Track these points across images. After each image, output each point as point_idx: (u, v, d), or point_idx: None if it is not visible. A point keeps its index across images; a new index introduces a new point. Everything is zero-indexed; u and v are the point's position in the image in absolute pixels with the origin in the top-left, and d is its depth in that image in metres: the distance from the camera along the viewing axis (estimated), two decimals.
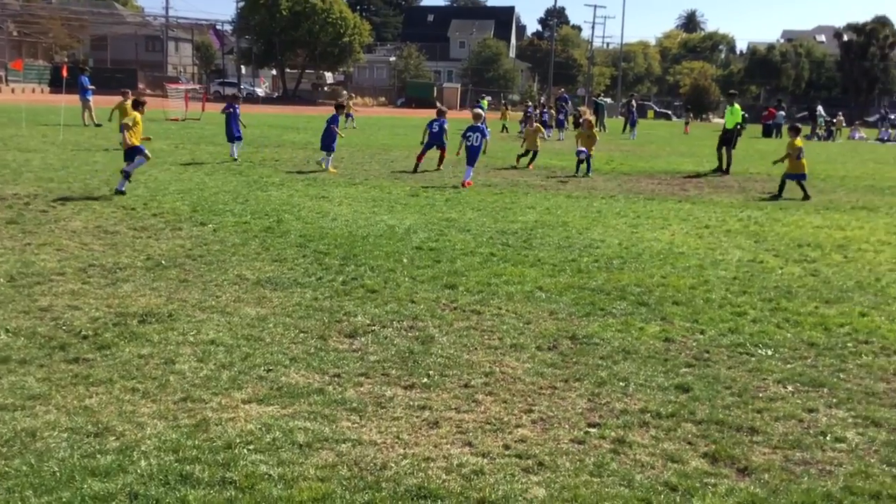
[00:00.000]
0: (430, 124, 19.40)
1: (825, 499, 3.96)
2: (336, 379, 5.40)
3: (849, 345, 6.57)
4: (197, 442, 4.31)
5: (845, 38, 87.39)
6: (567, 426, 4.79)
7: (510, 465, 4.22)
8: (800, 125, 22.66)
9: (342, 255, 9.17)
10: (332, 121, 18.41)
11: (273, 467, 4.06)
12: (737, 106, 22.40)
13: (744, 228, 12.35)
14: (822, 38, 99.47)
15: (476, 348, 6.19)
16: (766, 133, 47.69)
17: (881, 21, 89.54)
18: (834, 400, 5.36)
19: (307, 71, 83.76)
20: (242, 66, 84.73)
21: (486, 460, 4.28)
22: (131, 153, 12.79)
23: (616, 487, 4.02)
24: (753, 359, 6.16)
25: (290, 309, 6.95)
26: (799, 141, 17.09)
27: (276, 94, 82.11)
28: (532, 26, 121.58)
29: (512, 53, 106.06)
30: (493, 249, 9.94)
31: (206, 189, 13.81)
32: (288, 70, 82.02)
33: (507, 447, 4.45)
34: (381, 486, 3.94)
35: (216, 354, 5.72)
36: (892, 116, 64.97)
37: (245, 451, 4.23)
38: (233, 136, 18.93)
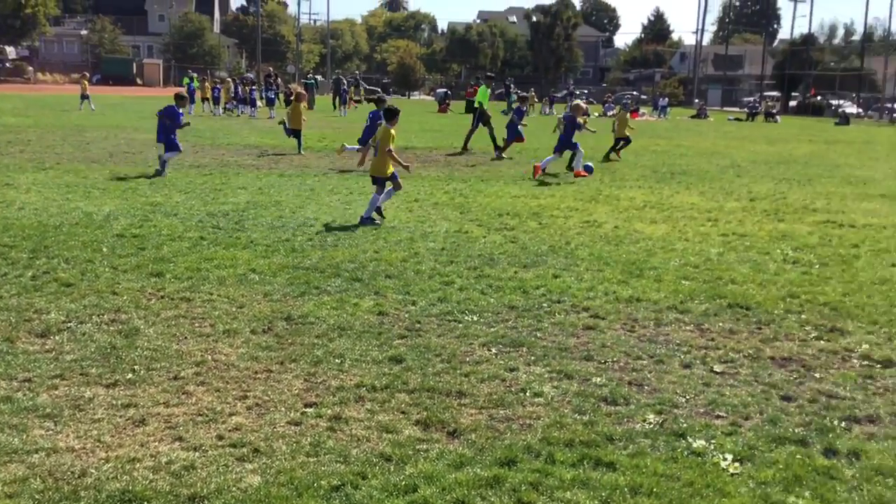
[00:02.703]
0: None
1: (526, 451, 4.26)
2: (26, 384, 4.92)
3: (544, 305, 7.10)
4: None
5: (534, 18, 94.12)
6: (283, 409, 4.73)
7: (224, 456, 4.09)
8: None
9: (31, 248, 8.37)
10: (168, 114, 15.27)
11: None
12: (484, 86, 23.79)
13: (450, 200, 12.92)
14: (514, 18, 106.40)
15: (186, 337, 5.93)
16: (469, 109, 50.16)
17: (565, 3, 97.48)
18: (532, 358, 5.77)
19: None
20: None
21: (197, 454, 4.11)
22: None
23: (332, 465, 4.04)
24: (461, 325, 6.47)
25: None
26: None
27: None
28: (237, 0, 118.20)
29: (217, 29, 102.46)
30: (203, 233, 9.57)
31: None
32: None
33: (220, 437, 4.31)
34: (79, 496, 3.65)
35: None
36: (577, 92, 71.24)
37: None
38: None
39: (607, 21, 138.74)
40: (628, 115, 23.40)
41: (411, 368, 5.45)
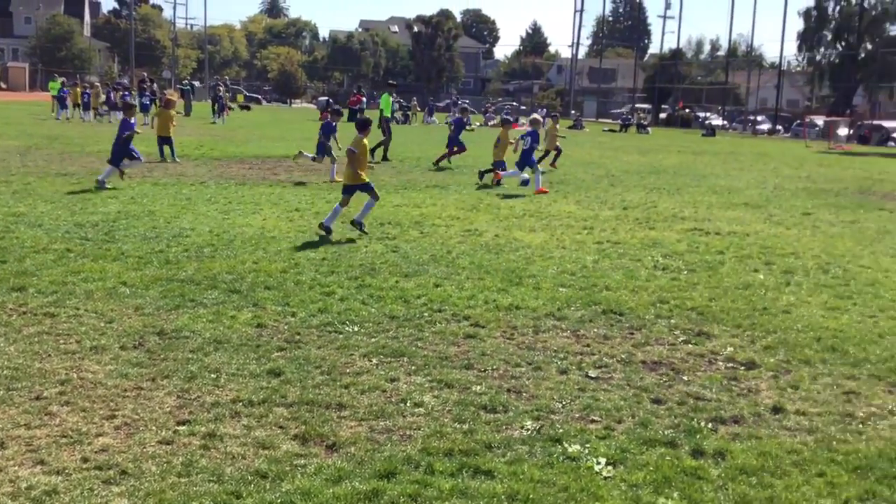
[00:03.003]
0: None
1: (405, 462, 4.24)
2: None
3: (425, 314, 7.12)
4: None
5: (415, 29, 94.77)
6: (154, 428, 4.56)
7: (89, 480, 3.90)
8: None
9: None
10: (126, 127, 14.91)
11: None
12: (386, 94, 23.86)
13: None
14: (396, 28, 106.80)
15: (50, 355, 5.64)
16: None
17: (446, 14, 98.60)
18: (413, 367, 5.77)
19: None
20: None
21: (60, 478, 3.90)
22: None
23: (205, 484, 3.91)
24: (341, 336, 6.40)
25: None
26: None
27: None
28: (108, 3, 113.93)
29: (87, 32, 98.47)
30: (70, 245, 9.15)
31: None
32: None
33: (85, 460, 4.10)
34: None
35: None
36: (460, 101, 72.02)
37: None
38: None
39: (487, 33, 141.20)
40: (557, 125, 23.90)
41: (290, 381, 5.35)
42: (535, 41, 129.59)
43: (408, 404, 5.07)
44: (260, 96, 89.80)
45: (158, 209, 11.99)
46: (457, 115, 19.03)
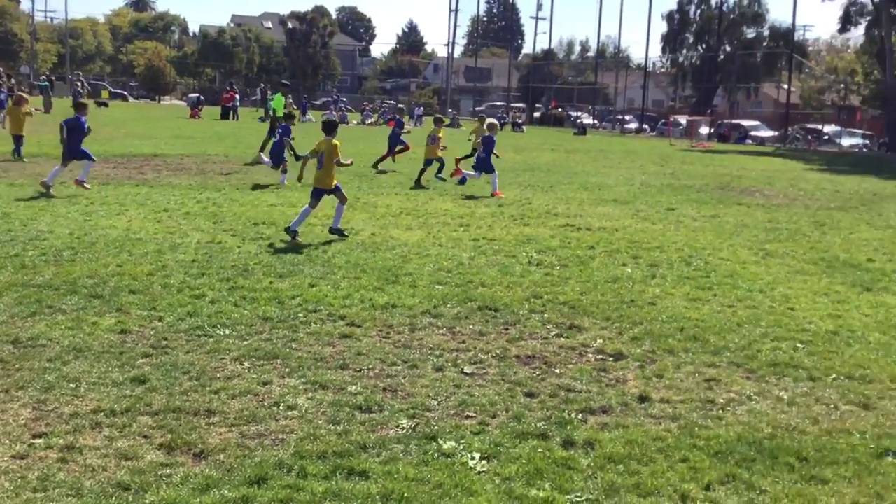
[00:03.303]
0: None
1: (277, 467, 4.15)
2: None
3: (300, 315, 7.00)
4: None
5: (290, 25, 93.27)
6: (8, 442, 4.30)
7: None
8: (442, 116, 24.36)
9: None
10: (73, 126, 13.81)
11: None
12: (279, 94, 23.44)
13: (203, 210, 12.45)
14: (269, 24, 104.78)
15: None
16: (225, 115, 48.79)
17: (321, 11, 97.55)
18: (287, 370, 5.66)
19: None
20: None
21: None
22: None
23: (63, 499, 3.72)
24: (212, 340, 6.22)
25: None
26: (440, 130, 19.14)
27: None
28: None
29: None
30: None
31: None
32: None
33: None
34: None
35: None
36: (344, 100, 71.47)
37: None
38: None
39: (363, 31, 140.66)
40: (484, 126, 24.11)
41: (156, 389, 5.15)
42: (411, 40, 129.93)
43: (281, 407, 4.97)
44: (126, 93, 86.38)
45: (13, 211, 11.35)
46: (395, 115, 19.08)
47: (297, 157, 17.53)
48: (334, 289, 7.94)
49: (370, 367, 5.82)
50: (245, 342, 6.21)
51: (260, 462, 4.19)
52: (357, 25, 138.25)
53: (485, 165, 16.56)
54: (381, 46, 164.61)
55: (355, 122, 53.88)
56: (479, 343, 6.51)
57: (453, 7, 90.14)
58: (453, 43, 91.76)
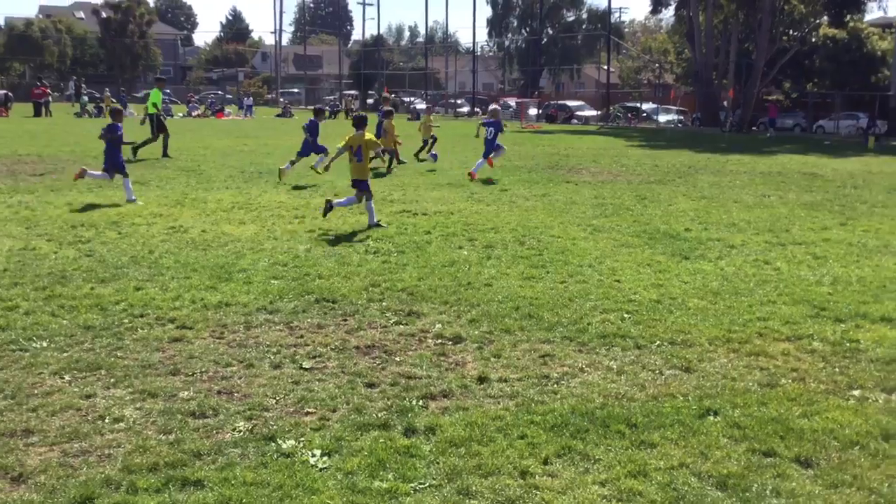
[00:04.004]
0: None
1: (104, 485, 3.92)
2: None
3: (125, 321, 6.65)
4: None
5: (103, 14, 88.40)
6: None
7: None
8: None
9: None
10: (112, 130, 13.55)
11: None
12: (156, 90, 21.97)
13: (14, 215, 11.61)
14: (82, 14, 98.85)
15: None
16: (37, 112, 45.77)
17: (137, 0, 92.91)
18: (112, 380, 5.36)
19: None
20: None
21: None
22: None
23: None
24: (27, 354, 5.80)
25: None
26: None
27: None
28: None
29: None
30: None
31: None
32: None
33: None
34: None
35: None
36: (167, 91, 68.37)
37: None
38: None
39: (185, 19, 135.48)
40: (431, 116, 23.94)
41: None
42: (236, 27, 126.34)
43: (106, 421, 4.69)
44: None
45: None
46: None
47: (134, 151, 16.86)
48: (163, 291, 7.60)
49: (203, 370, 5.60)
50: (65, 354, 5.82)
51: (85, 481, 3.94)
52: (177, 13, 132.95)
53: (490, 147, 17.85)
54: (205, 35, 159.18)
55: (181, 114, 51.88)
56: (317, 336, 6.40)
57: None
58: (280, 30, 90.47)
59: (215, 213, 12.28)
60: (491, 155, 17.96)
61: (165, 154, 21.05)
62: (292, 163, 16.91)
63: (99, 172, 13.76)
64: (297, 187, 15.51)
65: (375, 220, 11.32)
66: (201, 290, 7.64)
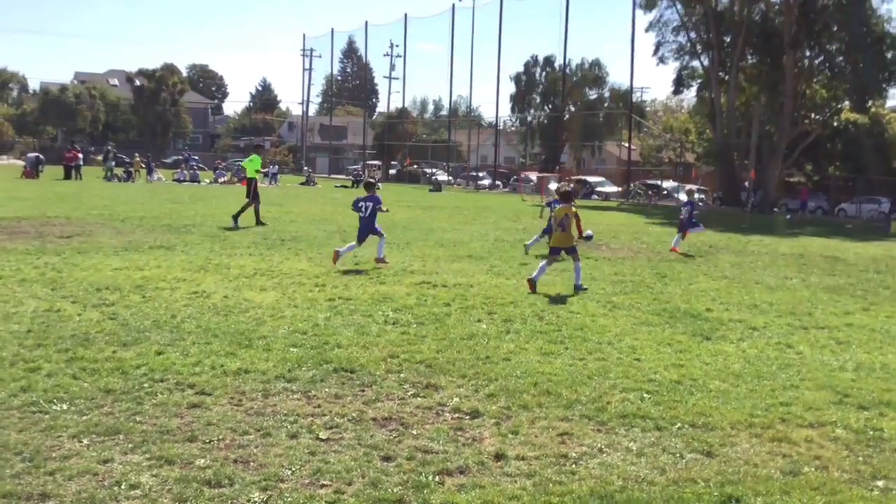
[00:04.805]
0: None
1: None
2: None
3: (145, 385, 6.68)
4: None
5: (137, 82, 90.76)
6: None
7: None
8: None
9: None
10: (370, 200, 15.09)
11: None
12: (255, 156, 22.51)
13: (40, 276, 11.77)
14: (115, 81, 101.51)
15: None
16: (67, 175, 46.68)
17: (170, 69, 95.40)
18: (130, 445, 5.36)
19: None
20: None
21: None
22: None
23: None
24: (48, 416, 5.83)
25: None
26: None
27: None
28: None
29: None
30: None
31: None
32: None
33: None
34: None
35: None
36: (195, 158, 69.71)
37: None
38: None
39: (215, 88, 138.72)
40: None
41: None
42: (264, 98, 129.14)
43: (122, 487, 4.68)
44: None
45: None
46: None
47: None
48: (183, 356, 7.64)
49: (220, 437, 5.60)
50: (84, 417, 5.85)
51: None
52: (209, 83, 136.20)
53: (688, 225, 19.94)
54: (235, 104, 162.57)
55: (207, 180, 52.73)
56: (334, 406, 6.39)
57: (307, 66, 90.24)
58: (308, 101, 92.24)
59: (237, 278, 12.39)
60: (688, 230, 20.11)
61: (259, 222, 21.35)
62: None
63: (351, 244, 14.97)
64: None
65: (580, 283, 12.73)
66: (221, 356, 7.67)
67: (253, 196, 21.63)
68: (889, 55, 42.30)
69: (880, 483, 5.22)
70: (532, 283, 12.29)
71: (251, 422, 5.94)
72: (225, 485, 4.79)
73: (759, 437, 6.03)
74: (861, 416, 6.64)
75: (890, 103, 49.12)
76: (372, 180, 14.08)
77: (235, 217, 20.85)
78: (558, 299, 11.63)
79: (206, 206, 22.95)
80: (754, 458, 5.60)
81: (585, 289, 12.53)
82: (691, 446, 5.78)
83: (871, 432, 6.22)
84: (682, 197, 21.16)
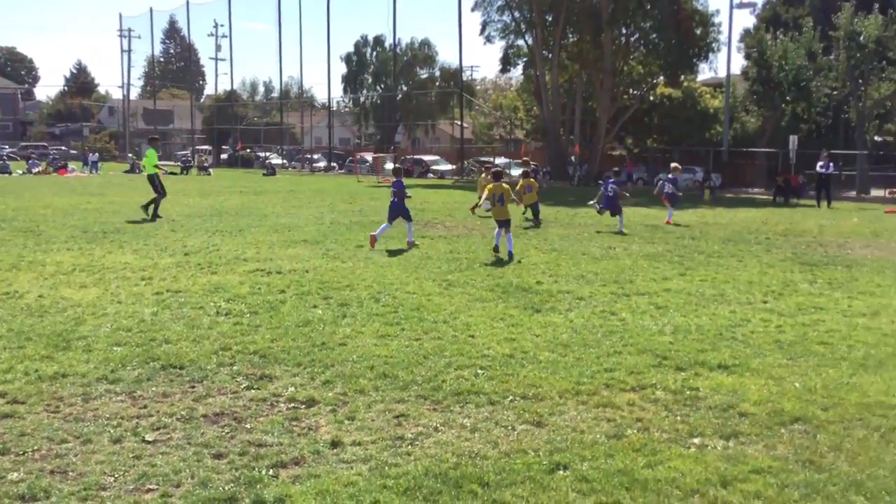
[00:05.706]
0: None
1: None
2: None
3: None
4: None
5: None
6: None
7: None
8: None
9: None
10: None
11: None
12: (151, 150, 21.93)
13: None
14: None
15: None
16: None
17: None
18: None
19: None
20: None
21: None
22: None
23: None
24: None
25: None
26: None
27: None
28: None
29: None
30: None
31: None
32: None
33: None
34: None
35: None
36: (6, 148, 64.82)
37: None
38: None
39: (25, 72, 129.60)
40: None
41: None
42: (80, 81, 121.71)
43: None
44: None
45: None
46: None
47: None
48: None
49: (35, 448, 5.25)
50: None
51: None
52: (17, 67, 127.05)
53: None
54: (47, 89, 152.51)
55: (20, 171, 49.30)
56: (162, 406, 6.13)
57: (125, 48, 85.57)
58: (128, 84, 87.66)
59: (54, 276, 11.65)
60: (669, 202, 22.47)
61: (157, 216, 20.70)
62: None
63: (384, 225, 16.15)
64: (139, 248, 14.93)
65: (512, 249, 14.30)
66: (36, 361, 7.19)
67: (160, 190, 21.19)
68: (698, 31, 44.90)
69: (696, 440, 5.56)
70: (497, 249, 14.39)
71: (70, 429, 5.60)
72: (41, 498, 4.50)
73: (585, 404, 6.28)
74: (678, 377, 7.05)
75: (701, 77, 52.17)
76: (399, 166, 15.84)
77: (146, 207, 20.67)
78: (395, 281, 11.65)
79: (17, 198, 21.41)
80: (581, 424, 5.83)
81: (519, 261, 13.73)
82: (522, 418, 5.94)
83: (688, 392, 6.62)
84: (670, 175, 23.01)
